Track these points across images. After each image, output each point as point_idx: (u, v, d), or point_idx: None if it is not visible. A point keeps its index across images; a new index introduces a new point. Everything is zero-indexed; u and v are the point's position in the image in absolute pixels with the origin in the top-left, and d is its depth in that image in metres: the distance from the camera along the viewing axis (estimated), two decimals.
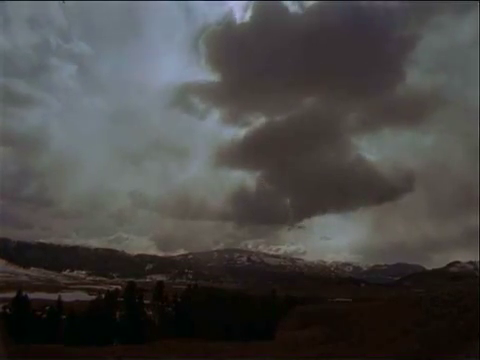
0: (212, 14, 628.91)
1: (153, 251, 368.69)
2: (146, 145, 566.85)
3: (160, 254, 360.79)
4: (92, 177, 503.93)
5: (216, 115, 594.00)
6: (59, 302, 46.80)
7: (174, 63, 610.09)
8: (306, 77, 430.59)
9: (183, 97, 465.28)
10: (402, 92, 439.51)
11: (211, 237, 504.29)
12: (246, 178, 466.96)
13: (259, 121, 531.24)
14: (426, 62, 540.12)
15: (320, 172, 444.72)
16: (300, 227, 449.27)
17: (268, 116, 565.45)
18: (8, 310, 43.46)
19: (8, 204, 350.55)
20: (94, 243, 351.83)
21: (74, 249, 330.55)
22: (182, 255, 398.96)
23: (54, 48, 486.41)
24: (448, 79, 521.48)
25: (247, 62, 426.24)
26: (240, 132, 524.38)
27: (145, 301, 48.40)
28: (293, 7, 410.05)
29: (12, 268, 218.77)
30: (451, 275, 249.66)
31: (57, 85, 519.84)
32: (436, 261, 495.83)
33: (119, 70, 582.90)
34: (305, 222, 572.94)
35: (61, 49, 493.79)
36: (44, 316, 45.27)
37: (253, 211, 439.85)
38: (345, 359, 18.32)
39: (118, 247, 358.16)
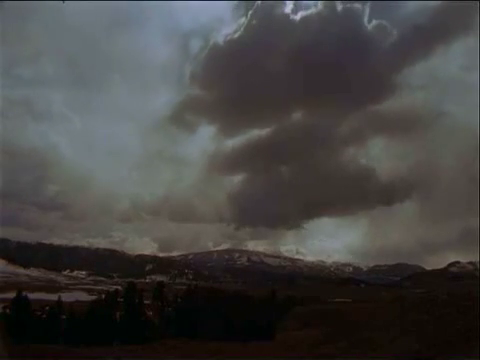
0: (205, 34, 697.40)
1: (153, 251, 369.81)
2: (149, 156, 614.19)
3: (160, 254, 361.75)
4: (100, 185, 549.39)
5: (213, 128, 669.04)
6: (59, 302, 46.72)
7: (171, 83, 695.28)
8: (304, 92, 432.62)
9: (183, 114, 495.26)
10: (395, 105, 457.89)
11: (211, 238, 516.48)
12: (245, 183, 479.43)
13: (254, 132, 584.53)
14: (418, 80, 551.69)
15: (319, 177, 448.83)
16: (300, 228, 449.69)
17: (263, 126, 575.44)
18: (8, 310, 43.44)
19: (23, 208, 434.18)
20: (94, 243, 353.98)
21: (74, 249, 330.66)
22: (182, 255, 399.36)
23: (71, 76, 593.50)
24: (439, 95, 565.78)
25: (239, 78, 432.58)
26: (237, 142, 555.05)
27: (145, 301, 48.41)
28: (284, 23, 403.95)
29: (12, 268, 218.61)
30: (451, 275, 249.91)
31: (74, 107, 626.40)
32: (436, 262, 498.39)
33: (124, 93, 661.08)
34: (305, 224, 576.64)
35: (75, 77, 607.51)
36: (44, 316, 45.19)
37: (253, 213, 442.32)
38: (345, 359, 18.33)
39: (118, 247, 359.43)
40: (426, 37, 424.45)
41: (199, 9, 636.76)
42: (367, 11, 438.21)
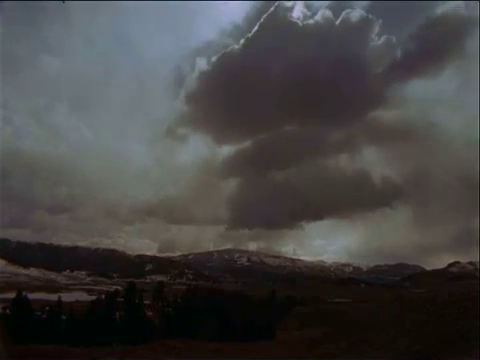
0: (201, 48, 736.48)
1: (153, 251, 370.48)
2: (150, 164, 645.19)
3: (160, 254, 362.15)
4: (106, 189, 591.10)
5: (210, 137, 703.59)
6: (59, 302, 46.66)
7: (170, 99, 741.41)
8: (300, 101, 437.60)
9: (181, 127, 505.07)
10: (392, 114, 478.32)
11: (210, 240, 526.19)
12: (243, 187, 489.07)
13: (251, 139, 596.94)
14: (413, 93, 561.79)
15: (317, 180, 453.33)
16: (298, 230, 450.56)
17: (261, 133, 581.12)
18: (8, 310, 43.43)
19: (33, 211, 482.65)
20: (96, 243, 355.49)
21: (74, 249, 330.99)
22: (182, 255, 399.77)
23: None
24: (433, 107, 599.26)
25: (235, 91, 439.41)
26: (234, 149, 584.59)
27: (145, 301, 48.36)
28: (282, 32, 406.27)
29: (12, 268, 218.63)
30: (451, 275, 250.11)
31: (84, 121, 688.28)
32: (436, 262, 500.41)
33: (128, 109, 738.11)
34: (305, 225, 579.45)
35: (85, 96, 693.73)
36: (44, 316, 45.13)
37: (251, 215, 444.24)
38: (345, 359, 18.32)
39: (118, 247, 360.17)
40: (423, 54, 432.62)
41: (194, 33, 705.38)
42: (370, 25, 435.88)
